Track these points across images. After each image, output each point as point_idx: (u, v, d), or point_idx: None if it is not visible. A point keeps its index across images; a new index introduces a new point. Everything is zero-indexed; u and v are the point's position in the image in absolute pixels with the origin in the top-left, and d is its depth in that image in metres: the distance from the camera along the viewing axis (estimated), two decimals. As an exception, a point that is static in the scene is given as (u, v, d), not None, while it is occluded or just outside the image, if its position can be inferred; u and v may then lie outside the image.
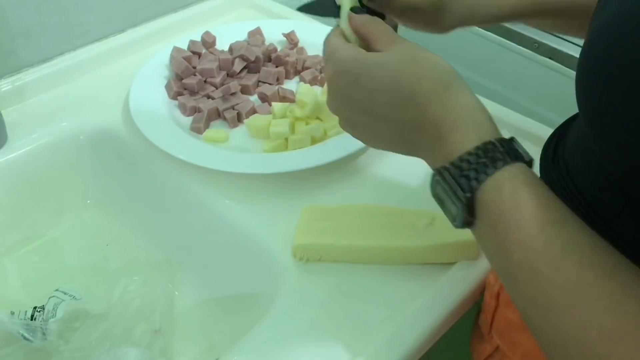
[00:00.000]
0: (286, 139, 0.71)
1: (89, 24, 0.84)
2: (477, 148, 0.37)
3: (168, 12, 0.93)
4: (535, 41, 1.07)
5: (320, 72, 0.82)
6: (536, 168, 0.41)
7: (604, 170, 0.39)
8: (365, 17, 0.46)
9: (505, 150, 0.37)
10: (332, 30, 0.48)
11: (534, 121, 0.76)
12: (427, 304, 0.55)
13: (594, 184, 0.41)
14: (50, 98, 0.78)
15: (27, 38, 0.78)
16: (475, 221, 0.38)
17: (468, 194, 0.37)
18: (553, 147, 0.47)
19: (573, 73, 1.16)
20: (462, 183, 0.37)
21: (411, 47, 0.42)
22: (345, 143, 0.70)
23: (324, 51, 0.47)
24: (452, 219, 0.39)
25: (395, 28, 0.54)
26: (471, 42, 1.15)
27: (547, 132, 0.75)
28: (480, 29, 1.13)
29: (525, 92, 1.12)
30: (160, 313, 0.62)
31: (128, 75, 0.79)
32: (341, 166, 0.69)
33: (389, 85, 0.41)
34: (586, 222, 0.36)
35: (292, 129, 0.72)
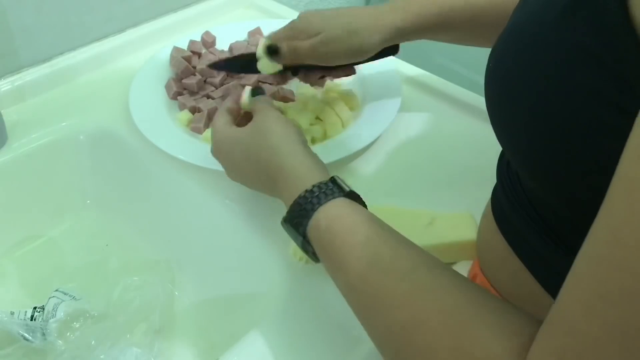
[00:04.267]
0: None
1: (89, 24, 0.84)
2: (299, 197, 0.47)
3: (168, 12, 0.93)
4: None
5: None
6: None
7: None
8: (255, 100, 0.60)
9: (322, 193, 0.46)
10: (220, 110, 0.60)
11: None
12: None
13: (534, 187, 0.43)
14: (50, 98, 0.78)
15: (27, 38, 0.78)
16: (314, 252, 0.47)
17: (300, 239, 0.47)
18: (506, 162, 0.49)
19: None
20: (297, 229, 0.47)
21: (263, 122, 0.55)
22: (345, 143, 0.70)
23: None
24: (301, 249, 0.48)
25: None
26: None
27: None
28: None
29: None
30: (160, 313, 0.62)
31: (128, 75, 0.79)
32: (341, 166, 0.69)
33: (244, 155, 0.55)
34: (536, 227, 0.42)
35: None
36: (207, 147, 0.70)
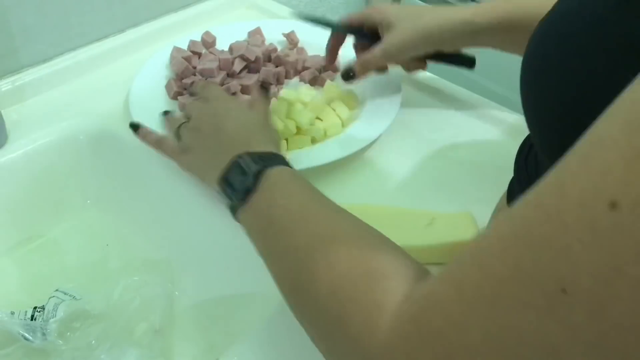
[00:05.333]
0: (286, 139, 0.71)
1: (89, 24, 0.84)
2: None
3: (168, 12, 0.93)
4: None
5: (320, 72, 0.82)
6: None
7: None
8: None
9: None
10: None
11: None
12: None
13: None
14: (50, 98, 0.78)
15: (27, 38, 0.78)
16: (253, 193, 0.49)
17: (252, 172, 0.50)
18: (527, 147, 0.48)
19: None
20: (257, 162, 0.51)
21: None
22: (345, 143, 0.70)
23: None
24: (233, 196, 0.52)
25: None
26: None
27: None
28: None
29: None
30: (160, 313, 0.62)
31: (128, 75, 0.79)
32: (341, 166, 0.69)
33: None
34: None
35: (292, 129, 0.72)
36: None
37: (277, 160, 0.51)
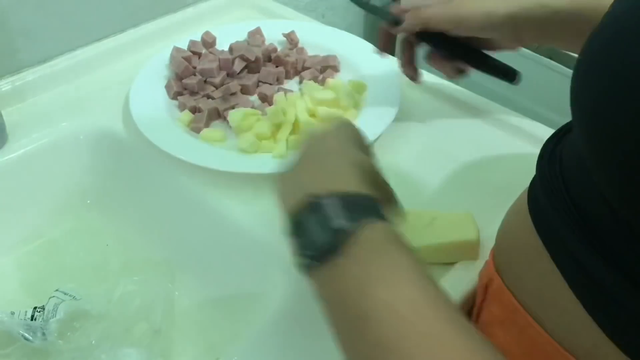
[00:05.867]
0: (286, 139, 0.71)
1: (89, 24, 0.84)
2: (359, 195, 0.40)
3: (168, 12, 0.93)
4: (535, 41, 1.07)
5: (320, 72, 0.82)
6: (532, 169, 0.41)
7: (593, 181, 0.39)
8: None
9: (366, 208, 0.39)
10: None
11: (534, 121, 0.76)
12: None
13: (585, 190, 0.41)
14: (50, 98, 0.78)
15: (27, 38, 0.78)
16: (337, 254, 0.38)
17: (351, 224, 0.38)
18: (552, 146, 0.47)
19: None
20: (351, 212, 0.39)
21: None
22: (345, 143, 0.70)
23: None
24: (311, 248, 0.40)
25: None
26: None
27: (546, 132, 0.75)
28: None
29: (525, 92, 1.12)
30: (160, 313, 0.62)
31: (128, 75, 0.79)
32: (341, 166, 0.69)
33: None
34: (573, 226, 0.38)
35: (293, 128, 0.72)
36: (207, 147, 0.70)
37: (369, 209, 0.40)
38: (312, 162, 0.46)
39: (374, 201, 0.40)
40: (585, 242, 0.38)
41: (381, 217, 0.40)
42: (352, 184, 0.41)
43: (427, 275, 0.37)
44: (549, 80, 1.10)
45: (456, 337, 0.34)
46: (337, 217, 0.38)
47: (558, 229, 0.40)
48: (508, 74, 0.67)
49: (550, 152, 0.47)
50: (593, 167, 0.36)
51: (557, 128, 0.74)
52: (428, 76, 0.84)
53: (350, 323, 0.37)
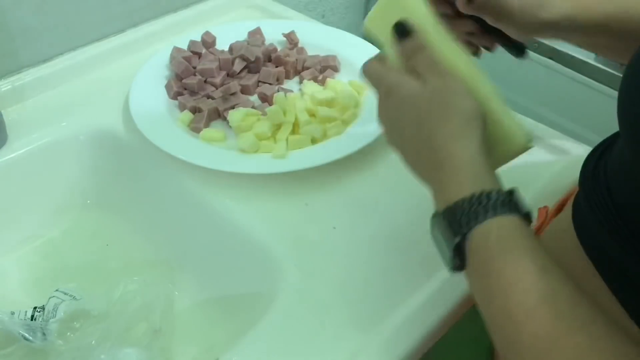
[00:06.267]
0: (286, 139, 0.71)
1: (89, 24, 0.84)
2: (472, 196, 0.40)
3: (168, 12, 0.93)
4: (535, 41, 1.07)
5: (320, 72, 0.82)
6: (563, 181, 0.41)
7: None
8: (410, 43, 0.48)
9: (500, 202, 0.39)
10: (373, 58, 0.50)
11: (534, 121, 0.76)
12: (427, 304, 0.55)
13: (633, 203, 0.40)
14: (50, 98, 0.78)
15: (27, 38, 0.78)
16: (465, 266, 0.40)
17: (457, 239, 0.40)
18: (594, 162, 0.47)
19: (573, 73, 1.16)
20: (454, 228, 0.40)
21: (444, 86, 0.44)
22: (345, 143, 0.70)
23: (365, 75, 0.50)
24: (446, 263, 0.42)
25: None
26: (471, 42, 1.15)
27: (547, 132, 0.75)
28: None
29: (525, 92, 1.12)
30: (160, 313, 0.62)
31: (128, 75, 0.79)
32: (341, 166, 0.69)
33: (415, 121, 0.45)
34: (621, 241, 0.38)
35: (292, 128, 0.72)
36: (207, 147, 0.70)
37: (492, 204, 0.39)
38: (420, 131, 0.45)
39: (487, 195, 0.40)
40: (635, 257, 0.38)
41: (507, 206, 0.39)
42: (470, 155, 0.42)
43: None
44: (549, 80, 1.10)
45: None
46: (449, 238, 0.40)
47: (605, 247, 0.40)
48: (521, 49, 0.62)
49: (593, 169, 0.46)
50: (631, 156, 0.36)
51: (556, 127, 0.74)
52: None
53: (486, 319, 0.39)
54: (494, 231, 0.39)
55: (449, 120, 0.43)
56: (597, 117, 0.86)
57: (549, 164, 0.70)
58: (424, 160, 0.45)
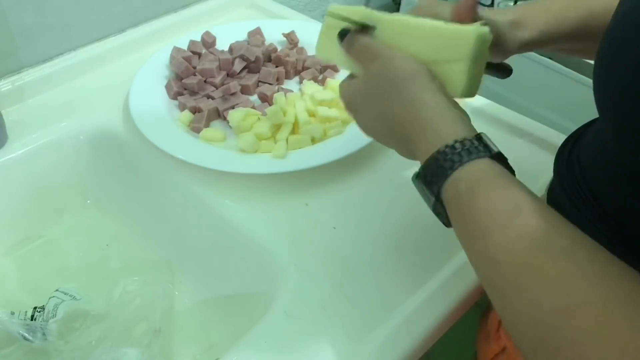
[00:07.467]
0: (286, 139, 0.71)
1: (89, 24, 0.84)
2: (437, 152, 0.41)
3: (168, 12, 0.93)
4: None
5: (320, 72, 0.82)
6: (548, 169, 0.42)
7: (621, 172, 0.40)
8: (347, 40, 0.51)
9: (465, 150, 0.40)
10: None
11: (534, 121, 0.76)
12: (427, 303, 0.55)
13: (609, 187, 0.41)
14: (50, 98, 0.78)
15: (27, 38, 0.78)
16: (447, 215, 0.42)
17: (433, 198, 0.42)
18: (568, 150, 0.47)
19: (573, 73, 1.16)
20: (428, 189, 0.42)
21: (380, 65, 0.47)
22: (345, 143, 0.70)
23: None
24: (432, 211, 0.44)
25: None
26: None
27: (547, 132, 0.75)
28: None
29: (525, 92, 1.12)
30: (160, 313, 0.62)
31: (128, 75, 0.79)
32: (341, 166, 0.69)
33: (374, 108, 0.48)
34: (598, 224, 0.38)
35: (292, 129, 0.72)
36: (207, 147, 0.70)
37: (455, 156, 0.40)
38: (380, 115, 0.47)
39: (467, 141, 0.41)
40: (613, 240, 0.38)
41: (473, 152, 0.40)
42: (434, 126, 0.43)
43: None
44: (549, 80, 1.10)
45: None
46: (429, 185, 0.42)
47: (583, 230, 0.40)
48: (506, 70, 0.61)
49: (568, 156, 0.46)
50: (610, 134, 0.37)
51: (554, 127, 0.74)
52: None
53: (472, 265, 0.40)
54: (462, 182, 0.40)
55: (398, 90, 0.45)
56: (597, 117, 0.86)
57: (549, 163, 0.70)
58: (397, 136, 0.47)
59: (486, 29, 0.46)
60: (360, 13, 0.51)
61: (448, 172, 0.40)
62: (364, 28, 0.50)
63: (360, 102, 0.49)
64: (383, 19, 0.50)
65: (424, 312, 0.55)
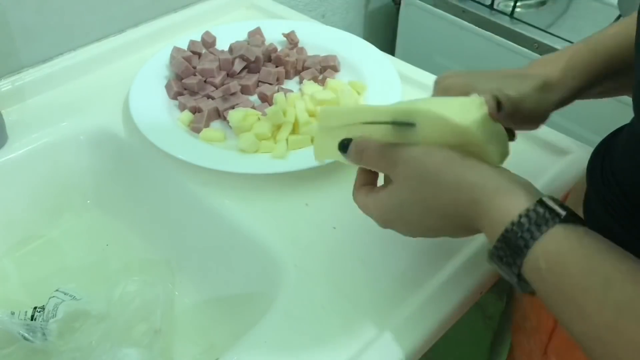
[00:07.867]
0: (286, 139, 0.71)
1: (89, 24, 0.84)
2: (506, 231, 0.39)
3: (168, 12, 0.93)
4: (535, 41, 1.07)
5: (320, 72, 0.82)
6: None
7: None
8: (353, 152, 0.50)
9: (532, 224, 0.38)
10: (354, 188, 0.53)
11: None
12: (427, 304, 0.55)
13: None
14: (50, 98, 0.78)
15: (27, 38, 0.78)
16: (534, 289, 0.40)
17: (515, 278, 0.40)
18: (600, 164, 0.47)
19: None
20: (509, 268, 0.40)
21: (406, 169, 0.45)
22: (345, 143, 0.70)
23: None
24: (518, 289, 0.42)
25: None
26: (471, 42, 1.15)
27: (547, 132, 0.75)
28: (474, 26, 1.13)
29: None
30: (160, 313, 0.62)
31: (128, 75, 0.79)
32: (342, 166, 0.69)
33: (419, 211, 0.46)
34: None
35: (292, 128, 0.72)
36: (207, 147, 0.70)
37: (526, 233, 0.39)
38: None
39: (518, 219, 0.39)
40: None
41: (542, 224, 0.38)
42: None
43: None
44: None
45: None
46: (507, 266, 0.40)
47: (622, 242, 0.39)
48: (512, 133, 0.56)
49: (601, 167, 0.46)
50: None
51: (555, 127, 0.73)
52: (428, 75, 0.83)
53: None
54: (540, 262, 0.38)
55: (438, 184, 0.43)
56: (597, 117, 0.86)
57: (549, 164, 0.70)
58: (458, 225, 0.44)
59: (478, 100, 0.45)
60: (362, 110, 0.49)
61: (523, 251, 0.38)
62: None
63: (398, 214, 0.47)
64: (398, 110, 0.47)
65: (424, 312, 0.55)
